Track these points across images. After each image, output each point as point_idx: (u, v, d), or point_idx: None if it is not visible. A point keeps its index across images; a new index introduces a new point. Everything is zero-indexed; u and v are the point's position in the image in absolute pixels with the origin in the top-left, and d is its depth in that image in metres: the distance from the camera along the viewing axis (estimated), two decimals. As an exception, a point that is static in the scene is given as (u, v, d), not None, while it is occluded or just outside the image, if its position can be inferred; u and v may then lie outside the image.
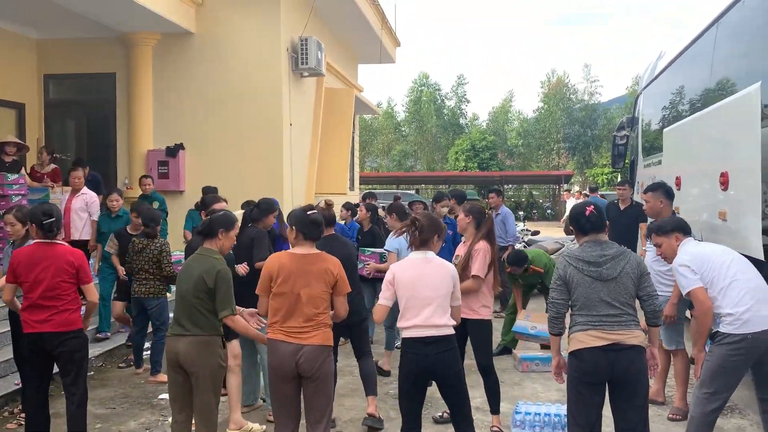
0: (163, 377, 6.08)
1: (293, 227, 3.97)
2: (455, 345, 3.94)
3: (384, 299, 3.98)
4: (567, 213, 21.26)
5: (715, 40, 6.70)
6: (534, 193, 41.89)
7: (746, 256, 4.89)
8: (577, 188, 36.21)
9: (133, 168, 10.53)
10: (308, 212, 3.98)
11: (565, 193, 26.40)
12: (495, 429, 4.89)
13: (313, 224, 3.94)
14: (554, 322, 3.81)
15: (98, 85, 10.94)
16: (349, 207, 9.01)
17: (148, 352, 6.53)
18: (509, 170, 44.73)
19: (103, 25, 9.83)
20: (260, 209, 5.49)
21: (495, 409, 4.94)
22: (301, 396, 3.90)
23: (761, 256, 4.53)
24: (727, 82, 6.25)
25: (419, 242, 4.03)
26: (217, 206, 5.27)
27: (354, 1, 11.84)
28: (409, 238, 4.09)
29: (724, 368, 3.99)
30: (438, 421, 5.13)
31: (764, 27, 5.46)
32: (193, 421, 4.02)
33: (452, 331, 3.91)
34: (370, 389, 5.20)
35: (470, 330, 4.84)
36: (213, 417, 4.00)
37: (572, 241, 11.86)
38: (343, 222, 8.71)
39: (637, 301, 3.73)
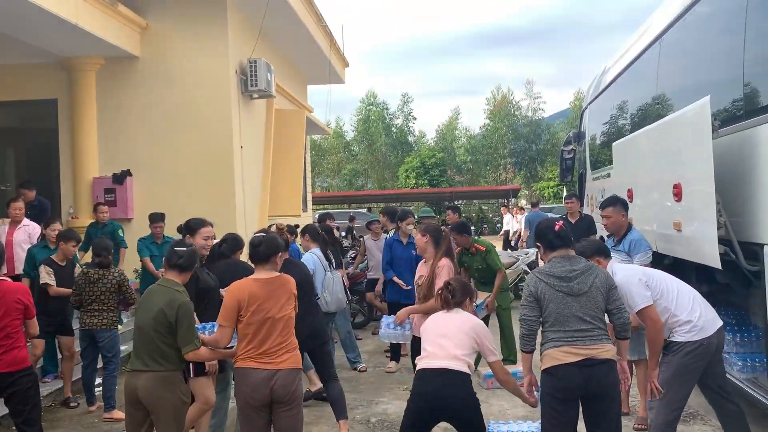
0: (118, 414, 5.84)
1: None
2: (468, 383, 3.78)
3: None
4: (504, 228, 21.72)
5: (659, 56, 6.89)
6: (483, 208, 42.51)
7: (702, 265, 5.02)
8: (523, 201, 36.90)
9: (78, 197, 10.16)
10: (255, 235, 4.01)
11: (503, 208, 27.02)
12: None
13: (251, 246, 3.92)
14: (526, 340, 3.80)
15: (39, 112, 10.55)
16: (291, 230, 8.97)
17: (100, 388, 6.24)
18: (459, 186, 45.30)
19: (43, 50, 9.45)
20: (228, 245, 5.32)
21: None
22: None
23: (718, 265, 4.63)
24: (675, 96, 6.43)
25: (453, 305, 3.98)
26: (204, 231, 5.09)
27: (302, 22, 11.82)
28: (441, 301, 4.04)
29: (683, 375, 4.07)
30: None
31: (710, 43, 5.65)
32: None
33: (467, 369, 3.77)
34: (340, 413, 5.10)
35: None
36: (176, 455, 3.86)
37: (526, 254, 11.98)
38: None
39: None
